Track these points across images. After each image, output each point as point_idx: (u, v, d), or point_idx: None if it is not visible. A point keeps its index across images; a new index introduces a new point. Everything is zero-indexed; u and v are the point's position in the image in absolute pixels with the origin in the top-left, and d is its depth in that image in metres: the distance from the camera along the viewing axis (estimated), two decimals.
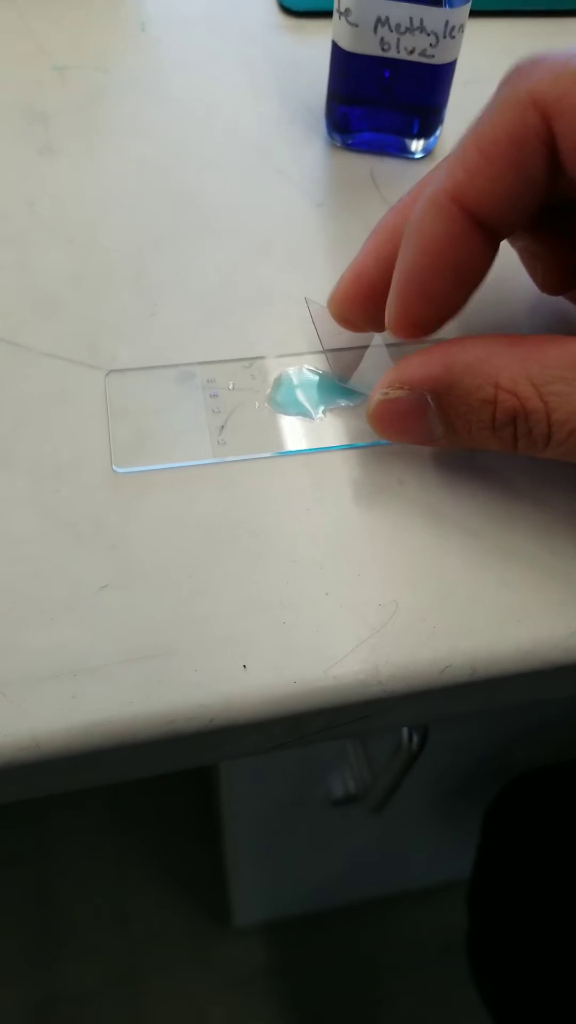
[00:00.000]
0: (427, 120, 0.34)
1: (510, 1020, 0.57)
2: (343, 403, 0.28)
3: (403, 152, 0.35)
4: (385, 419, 0.26)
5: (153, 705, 0.23)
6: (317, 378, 0.28)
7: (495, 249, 0.25)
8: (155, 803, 1.00)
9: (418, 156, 0.35)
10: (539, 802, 0.57)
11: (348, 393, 0.28)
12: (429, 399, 0.24)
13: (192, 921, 0.94)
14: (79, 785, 0.25)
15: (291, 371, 0.29)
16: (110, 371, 0.28)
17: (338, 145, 0.35)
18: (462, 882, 0.90)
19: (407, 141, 0.35)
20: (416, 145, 0.35)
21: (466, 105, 0.35)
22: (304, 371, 0.29)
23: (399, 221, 0.26)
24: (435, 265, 0.24)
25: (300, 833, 0.67)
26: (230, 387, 0.28)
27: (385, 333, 0.29)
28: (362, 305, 0.27)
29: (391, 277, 0.26)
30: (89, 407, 0.28)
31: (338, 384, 0.28)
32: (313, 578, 0.25)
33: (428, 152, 0.35)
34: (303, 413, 0.28)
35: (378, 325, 0.28)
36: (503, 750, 0.60)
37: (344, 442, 0.27)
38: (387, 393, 0.25)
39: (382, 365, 0.29)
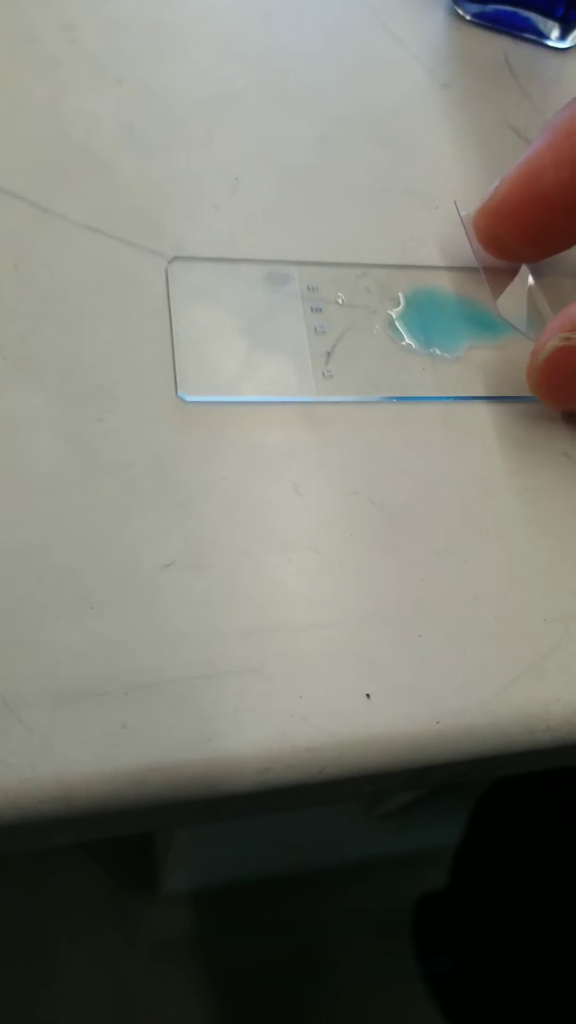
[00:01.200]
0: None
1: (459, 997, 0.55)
2: (491, 340, 0.21)
3: (540, 37, 0.28)
4: (557, 375, 0.19)
5: (240, 745, 0.16)
6: (460, 303, 0.21)
7: None
8: None
9: (559, 46, 0.28)
10: (530, 800, 0.53)
11: (503, 327, 0.21)
12: None
13: (114, 885, 0.87)
14: (122, 833, 0.17)
15: (423, 290, 0.21)
16: (174, 258, 0.20)
17: (465, 18, 0.27)
18: (401, 857, 0.86)
19: (547, 25, 0.27)
20: (558, 32, 0.27)
21: None
22: (441, 291, 0.21)
23: None
24: None
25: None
26: (339, 301, 0.21)
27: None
28: (528, 221, 0.20)
29: (575, 185, 0.19)
30: (144, 304, 0.20)
31: (490, 314, 0.21)
32: (456, 575, 0.18)
33: (574, 45, 0.28)
34: (439, 348, 0.20)
35: (543, 250, 0.21)
36: None
37: (493, 392, 0.20)
38: (568, 338, 0.18)
39: (532, 297, 0.22)
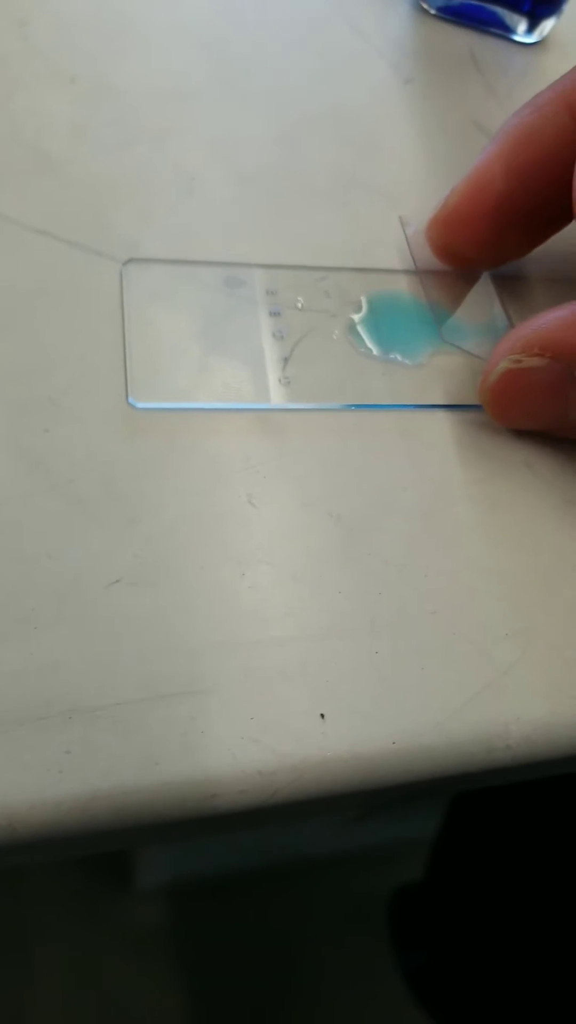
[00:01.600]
0: None
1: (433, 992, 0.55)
2: (456, 346, 0.20)
3: (507, 32, 0.27)
4: (507, 395, 0.19)
5: (189, 770, 0.15)
6: (422, 308, 0.21)
7: None
8: None
9: (526, 41, 0.27)
10: (508, 793, 0.53)
11: (464, 333, 0.20)
12: None
13: (89, 880, 0.87)
14: (69, 857, 0.17)
15: (385, 294, 0.21)
16: (129, 260, 0.20)
17: (430, 12, 0.27)
18: (378, 850, 0.86)
19: (514, 19, 0.27)
20: (525, 26, 0.27)
21: None
22: (403, 295, 0.21)
23: (539, 122, 0.19)
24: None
25: None
26: (298, 305, 0.20)
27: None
28: (480, 229, 0.20)
29: (523, 193, 0.19)
30: (96, 309, 0.19)
31: (453, 320, 0.21)
32: (414, 589, 0.18)
33: (541, 40, 0.27)
34: (400, 354, 0.20)
35: (497, 258, 0.20)
36: None
37: (454, 400, 0.20)
38: (519, 360, 0.18)
39: (488, 305, 0.21)
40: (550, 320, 0.17)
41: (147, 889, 0.87)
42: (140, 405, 0.18)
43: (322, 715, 0.16)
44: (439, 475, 0.19)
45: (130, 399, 0.18)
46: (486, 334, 0.20)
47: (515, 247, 0.20)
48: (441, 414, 0.20)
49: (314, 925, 0.91)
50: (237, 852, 0.85)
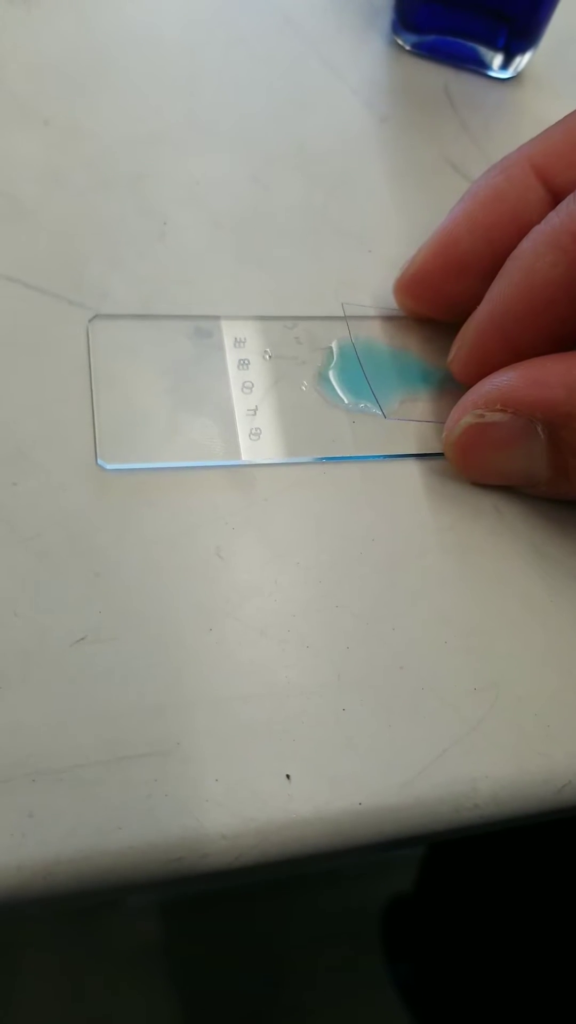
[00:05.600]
0: (519, 33, 0.26)
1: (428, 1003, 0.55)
2: (424, 392, 0.20)
3: (482, 68, 0.27)
4: (473, 449, 0.19)
5: (152, 834, 0.15)
6: (393, 354, 0.21)
7: None
8: None
9: (501, 76, 0.27)
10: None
11: (435, 380, 0.20)
12: (539, 430, 0.17)
13: None
14: (33, 915, 0.17)
15: (355, 340, 0.21)
16: (97, 315, 0.20)
17: (406, 48, 0.27)
18: (369, 863, 0.86)
19: (490, 55, 0.27)
20: (500, 61, 0.27)
21: (568, 28, 0.28)
22: (373, 341, 0.21)
23: (504, 183, 0.19)
24: (536, 317, 0.18)
25: None
26: (266, 355, 0.20)
27: None
28: (445, 288, 0.20)
29: (489, 253, 0.19)
30: (66, 361, 0.19)
31: (423, 364, 0.20)
32: (382, 643, 0.17)
33: (516, 75, 0.27)
34: (370, 402, 0.20)
35: (461, 316, 0.20)
36: None
37: (425, 448, 0.20)
38: (482, 415, 0.18)
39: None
40: (512, 375, 0.17)
41: (137, 904, 0.86)
42: (109, 467, 0.18)
43: (288, 776, 0.16)
44: (408, 524, 0.19)
45: (99, 460, 0.18)
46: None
47: (478, 304, 0.20)
48: (411, 462, 0.20)
49: (304, 937, 0.90)
50: None
